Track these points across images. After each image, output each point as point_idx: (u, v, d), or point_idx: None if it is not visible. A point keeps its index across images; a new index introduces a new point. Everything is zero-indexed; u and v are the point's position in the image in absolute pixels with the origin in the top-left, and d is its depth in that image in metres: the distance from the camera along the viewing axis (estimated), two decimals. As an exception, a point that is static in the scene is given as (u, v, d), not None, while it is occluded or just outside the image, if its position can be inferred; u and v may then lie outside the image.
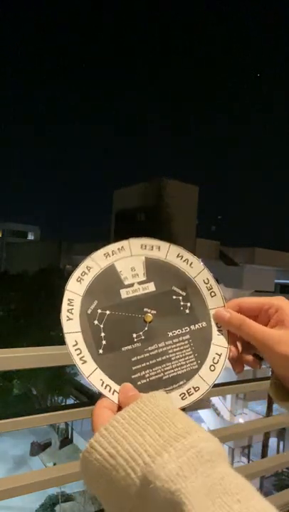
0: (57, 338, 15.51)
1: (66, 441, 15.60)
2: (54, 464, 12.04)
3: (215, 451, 0.27)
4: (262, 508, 0.24)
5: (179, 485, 0.24)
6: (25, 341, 14.11)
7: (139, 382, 0.38)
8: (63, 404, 14.25)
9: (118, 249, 0.43)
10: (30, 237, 42.38)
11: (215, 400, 16.49)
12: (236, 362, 0.43)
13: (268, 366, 0.42)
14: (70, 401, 15.70)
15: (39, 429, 14.17)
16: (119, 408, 0.35)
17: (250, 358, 0.43)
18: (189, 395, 0.39)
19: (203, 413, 16.35)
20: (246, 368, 0.44)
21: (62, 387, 14.95)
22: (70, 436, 15.85)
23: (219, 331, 0.42)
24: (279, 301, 0.41)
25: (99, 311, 0.40)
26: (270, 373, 0.43)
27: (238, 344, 0.43)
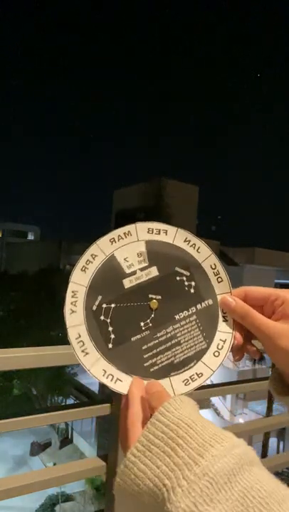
0: (57, 338, 15.51)
1: (66, 441, 15.59)
2: (54, 464, 12.03)
3: (234, 467, 0.26)
4: None
5: None
6: (25, 341, 14.09)
7: (151, 369, 0.39)
8: (63, 404, 14.23)
9: (124, 233, 0.42)
10: (30, 237, 42.36)
11: (215, 400, 16.50)
12: (237, 350, 0.42)
13: (268, 366, 0.42)
14: (70, 401, 15.69)
15: (39, 429, 14.16)
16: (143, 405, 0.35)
17: (251, 347, 0.43)
18: (192, 381, 0.39)
19: (203, 413, 16.22)
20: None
21: (62, 387, 14.94)
22: (70, 436, 15.84)
23: (224, 317, 0.42)
24: (286, 293, 0.41)
25: (104, 305, 0.40)
26: (270, 367, 0.43)
27: (242, 333, 0.42)
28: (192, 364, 0.40)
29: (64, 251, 28.34)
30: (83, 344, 0.39)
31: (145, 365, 0.39)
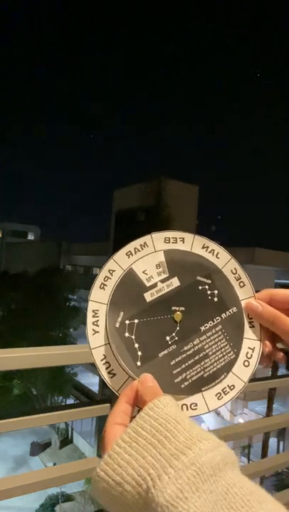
0: (57, 338, 15.52)
1: (66, 441, 15.60)
2: (54, 464, 12.03)
3: (219, 462, 0.26)
4: None
5: (181, 507, 0.24)
6: (25, 341, 14.09)
7: (182, 385, 0.37)
8: (63, 404, 14.24)
9: (140, 245, 0.41)
10: (30, 237, 42.34)
11: (215, 399, 16.39)
12: (265, 356, 0.41)
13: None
14: (70, 401, 15.69)
15: (39, 429, 14.15)
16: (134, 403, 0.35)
17: (279, 353, 0.41)
18: (225, 394, 0.38)
19: (204, 413, 16.31)
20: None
21: (62, 387, 14.94)
22: (70, 437, 15.84)
23: (250, 323, 0.41)
24: None
25: (127, 322, 0.38)
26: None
27: (269, 338, 0.41)
28: (223, 376, 0.38)
29: (64, 251, 28.34)
30: (109, 365, 0.37)
31: (175, 381, 0.37)
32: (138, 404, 0.34)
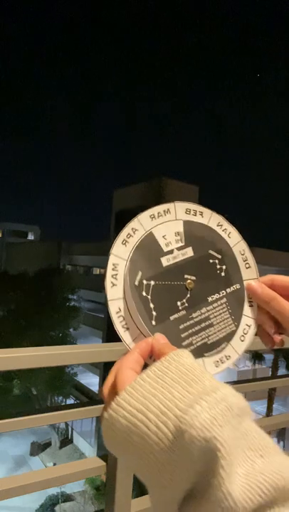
0: (57, 338, 15.52)
1: (66, 441, 15.62)
2: (54, 464, 12.04)
3: (244, 406, 0.28)
4: (282, 463, 0.25)
5: (214, 432, 0.24)
6: (25, 341, 14.10)
7: (188, 349, 0.38)
8: (63, 404, 14.24)
9: (164, 211, 0.43)
10: (30, 237, 42.36)
11: (215, 399, 16.41)
12: (268, 337, 0.43)
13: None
14: (70, 401, 15.70)
15: (39, 429, 14.18)
16: (145, 366, 0.34)
17: (277, 337, 0.43)
18: (222, 363, 0.41)
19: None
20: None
21: (62, 387, 14.94)
22: (70, 436, 15.86)
23: (250, 302, 0.43)
24: None
25: (144, 282, 0.39)
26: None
27: (269, 320, 0.43)
28: (223, 345, 0.41)
29: (64, 251, 28.33)
30: (123, 319, 0.38)
31: (183, 344, 0.39)
32: (152, 358, 0.35)
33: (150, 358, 0.35)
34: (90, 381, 17.51)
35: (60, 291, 16.83)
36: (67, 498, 11.78)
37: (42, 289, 16.41)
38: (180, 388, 0.27)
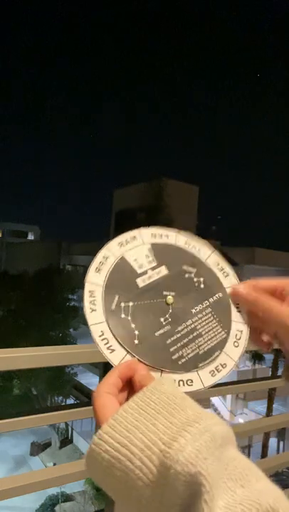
0: (57, 338, 15.52)
1: (66, 441, 15.61)
2: (54, 464, 12.04)
3: (227, 435, 0.28)
4: (265, 490, 0.25)
5: (199, 467, 0.24)
6: (25, 341, 14.09)
7: (180, 362, 0.39)
8: (63, 404, 14.24)
9: (131, 238, 0.45)
10: (30, 237, 42.35)
11: (215, 399, 16.47)
12: (262, 342, 0.44)
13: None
14: (70, 401, 15.69)
15: (39, 429, 14.16)
16: (123, 388, 0.35)
17: (267, 339, 0.43)
18: (218, 372, 0.41)
19: (203, 413, 16.29)
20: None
21: (62, 387, 14.94)
22: (70, 437, 15.85)
23: (237, 307, 0.44)
24: None
25: (122, 304, 0.40)
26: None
27: (256, 323, 0.43)
28: (217, 353, 0.41)
29: (64, 251, 28.34)
30: (108, 342, 0.39)
31: (173, 358, 0.39)
32: (132, 388, 0.35)
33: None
34: (90, 381, 17.51)
35: (60, 291, 16.82)
36: (67, 498, 11.79)
37: (42, 289, 16.40)
38: (163, 420, 0.27)
